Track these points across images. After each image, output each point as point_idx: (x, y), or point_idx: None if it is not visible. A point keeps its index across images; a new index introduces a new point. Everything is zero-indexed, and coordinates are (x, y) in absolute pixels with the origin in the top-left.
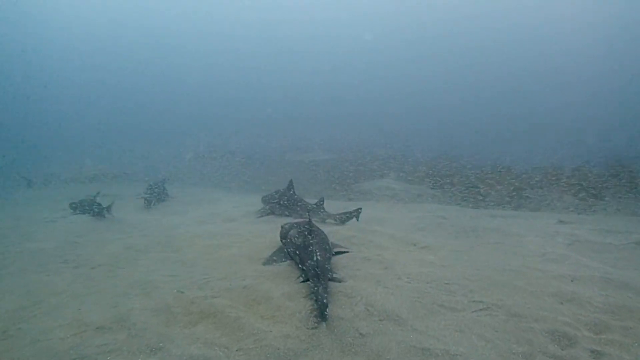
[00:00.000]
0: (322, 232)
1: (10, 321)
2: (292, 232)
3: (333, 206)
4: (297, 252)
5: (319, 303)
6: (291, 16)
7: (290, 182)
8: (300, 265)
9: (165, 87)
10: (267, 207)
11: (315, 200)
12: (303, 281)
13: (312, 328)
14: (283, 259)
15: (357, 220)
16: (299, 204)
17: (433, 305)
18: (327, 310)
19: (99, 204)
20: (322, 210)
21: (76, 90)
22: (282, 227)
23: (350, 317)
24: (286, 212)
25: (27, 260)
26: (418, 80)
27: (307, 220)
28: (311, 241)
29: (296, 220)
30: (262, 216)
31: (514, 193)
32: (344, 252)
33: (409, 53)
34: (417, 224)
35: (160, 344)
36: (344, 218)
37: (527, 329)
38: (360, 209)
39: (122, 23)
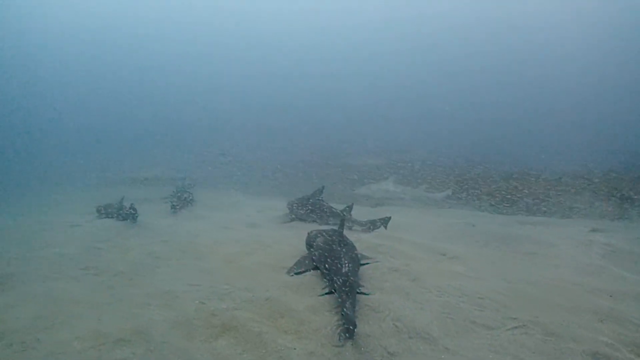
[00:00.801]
0: (350, 241)
1: (28, 331)
2: (319, 240)
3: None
4: (324, 262)
5: (347, 320)
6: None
7: (321, 188)
8: (326, 276)
9: (189, 94)
10: (292, 212)
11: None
12: (328, 293)
13: (338, 345)
14: (307, 268)
15: (385, 228)
16: (325, 209)
17: (465, 322)
18: (355, 328)
19: (132, 208)
20: (349, 217)
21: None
22: (308, 234)
23: (378, 334)
24: (312, 218)
25: (48, 266)
26: (436, 83)
27: (338, 228)
28: (341, 251)
29: (323, 228)
30: (286, 222)
31: (543, 198)
32: (371, 263)
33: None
34: (445, 231)
35: None
36: (371, 226)
37: (565, 350)
38: (389, 217)
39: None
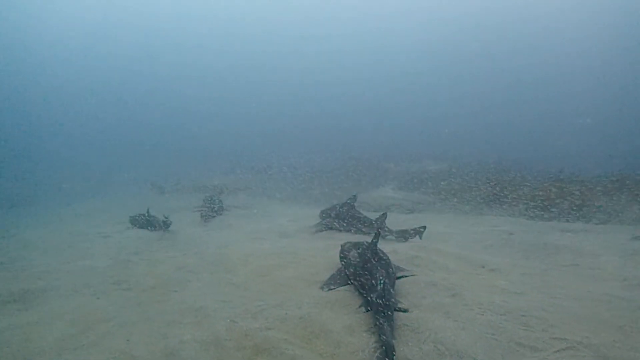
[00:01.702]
0: (386, 255)
1: (55, 352)
2: (352, 253)
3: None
4: (359, 277)
5: (385, 344)
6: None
7: (354, 196)
8: (362, 293)
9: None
10: (325, 221)
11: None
12: (366, 311)
13: None
14: (342, 283)
15: (420, 238)
16: (359, 218)
17: (510, 343)
18: (395, 354)
19: (166, 218)
20: (383, 226)
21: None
22: (341, 246)
23: (418, 358)
24: (345, 227)
25: (78, 280)
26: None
27: (372, 240)
28: (375, 266)
29: (357, 239)
30: (319, 231)
31: (580, 203)
32: (409, 276)
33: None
34: (483, 240)
35: None
36: (406, 235)
37: None
38: (424, 227)
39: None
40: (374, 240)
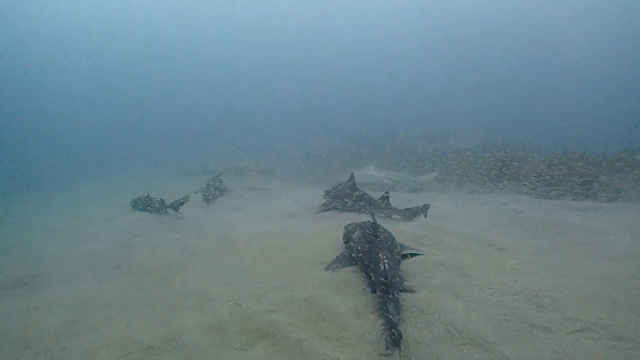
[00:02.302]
0: (389, 232)
1: (55, 338)
2: (356, 234)
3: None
4: (362, 258)
5: (391, 326)
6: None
7: (351, 174)
8: (369, 274)
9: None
10: (329, 201)
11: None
12: (372, 292)
13: (385, 354)
14: (347, 264)
15: (425, 217)
16: (362, 197)
17: (523, 324)
18: (401, 339)
19: (179, 201)
20: (387, 205)
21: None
22: (345, 227)
23: (428, 341)
24: (348, 207)
25: (80, 264)
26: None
27: (372, 221)
28: (377, 246)
29: (361, 220)
30: (323, 211)
31: (587, 181)
32: (415, 255)
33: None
34: (490, 219)
35: None
36: (411, 214)
37: (637, 358)
38: (429, 205)
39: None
40: (373, 218)
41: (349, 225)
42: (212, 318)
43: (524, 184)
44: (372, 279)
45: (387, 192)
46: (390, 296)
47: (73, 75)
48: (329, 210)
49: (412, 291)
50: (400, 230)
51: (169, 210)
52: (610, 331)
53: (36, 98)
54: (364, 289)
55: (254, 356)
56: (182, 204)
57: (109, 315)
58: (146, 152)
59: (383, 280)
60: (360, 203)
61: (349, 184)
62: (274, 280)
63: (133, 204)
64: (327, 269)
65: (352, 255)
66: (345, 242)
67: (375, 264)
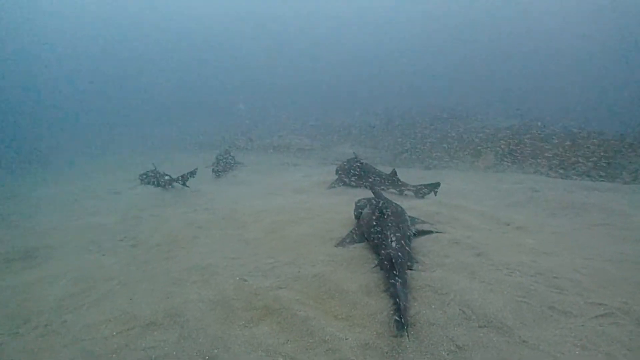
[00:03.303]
0: (400, 207)
1: (55, 312)
2: (365, 210)
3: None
4: (371, 235)
5: (397, 308)
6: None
7: (354, 153)
8: (377, 252)
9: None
10: (339, 177)
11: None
12: (382, 270)
13: (397, 336)
14: (359, 240)
15: (435, 195)
16: (372, 173)
17: (542, 307)
18: (407, 325)
19: (190, 173)
20: (397, 181)
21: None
22: (355, 203)
23: (442, 322)
24: (359, 183)
25: (85, 236)
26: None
27: (375, 197)
28: (384, 223)
29: (372, 196)
30: (333, 187)
31: (605, 161)
32: (430, 233)
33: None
34: (506, 197)
35: (215, 351)
36: (422, 191)
37: None
38: (439, 183)
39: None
40: (377, 196)
41: (360, 200)
42: (216, 293)
43: (539, 164)
44: (380, 256)
45: (393, 169)
46: (397, 274)
47: (92, 49)
48: (339, 186)
49: (422, 270)
50: (413, 207)
51: (177, 184)
52: (636, 317)
53: (51, 79)
54: (375, 266)
55: (259, 334)
56: (189, 178)
57: (111, 289)
58: (170, 128)
59: (389, 258)
60: (369, 178)
61: (358, 159)
62: (281, 255)
63: (141, 178)
64: (337, 245)
65: (362, 231)
66: (356, 218)
67: (381, 242)
